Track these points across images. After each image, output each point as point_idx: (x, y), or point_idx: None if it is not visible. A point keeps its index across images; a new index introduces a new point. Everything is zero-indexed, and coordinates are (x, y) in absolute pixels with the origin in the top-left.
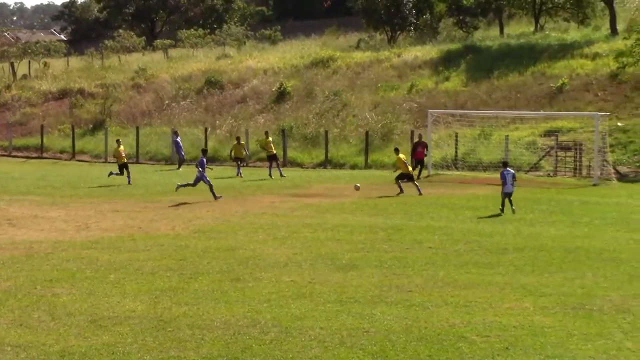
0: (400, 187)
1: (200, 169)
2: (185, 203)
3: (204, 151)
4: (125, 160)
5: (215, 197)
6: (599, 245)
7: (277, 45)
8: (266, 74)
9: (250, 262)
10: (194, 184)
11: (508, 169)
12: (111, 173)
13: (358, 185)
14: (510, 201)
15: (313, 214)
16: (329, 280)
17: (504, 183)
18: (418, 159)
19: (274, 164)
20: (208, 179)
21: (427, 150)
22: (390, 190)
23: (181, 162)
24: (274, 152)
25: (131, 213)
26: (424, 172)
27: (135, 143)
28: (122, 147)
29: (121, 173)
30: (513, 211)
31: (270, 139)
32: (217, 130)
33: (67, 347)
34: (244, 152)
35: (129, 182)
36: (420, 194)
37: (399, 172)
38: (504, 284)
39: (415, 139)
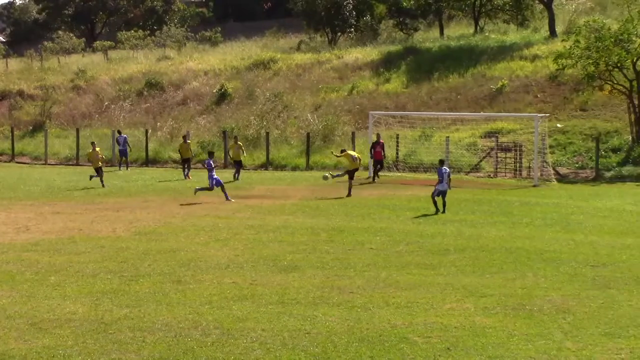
0: (350, 188)
1: (210, 171)
2: (126, 205)
3: (211, 153)
4: (101, 164)
5: (227, 198)
6: (540, 246)
7: (218, 47)
8: (207, 76)
9: (192, 264)
10: (211, 188)
11: (445, 167)
12: (92, 177)
13: (326, 175)
14: (444, 200)
15: (255, 215)
16: (270, 281)
17: (440, 181)
18: (376, 159)
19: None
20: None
21: (384, 150)
22: (331, 192)
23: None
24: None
25: (72, 215)
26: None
27: (76, 145)
28: (98, 149)
29: (97, 175)
30: (444, 211)
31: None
32: (157, 132)
33: (6, 350)
34: (191, 153)
35: (103, 185)
36: (349, 195)
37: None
38: (445, 284)
39: (373, 140)
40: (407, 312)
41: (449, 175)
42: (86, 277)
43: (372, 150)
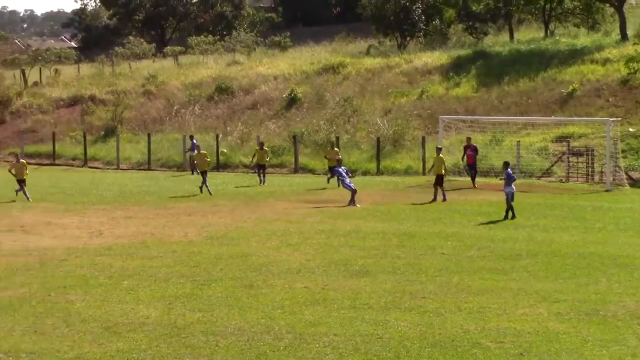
0: (438, 192)
1: (341, 175)
2: (197, 210)
3: (339, 161)
4: (25, 177)
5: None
6: (613, 251)
7: (287, 51)
8: (276, 80)
9: (264, 269)
10: (353, 190)
11: (509, 170)
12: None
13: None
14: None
15: (326, 220)
16: (342, 286)
17: (508, 183)
18: (469, 164)
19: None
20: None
21: (477, 154)
22: (402, 196)
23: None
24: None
25: (144, 219)
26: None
27: (147, 150)
28: (22, 161)
29: (21, 189)
30: (514, 216)
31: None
32: (228, 136)
33: (81, 353)
34: (266, 159)
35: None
36: (445, 199)
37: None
38: (517, 289)
39: (464, 144)
40: (480, 317)
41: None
42: (159, 282)
43: (464, 154)
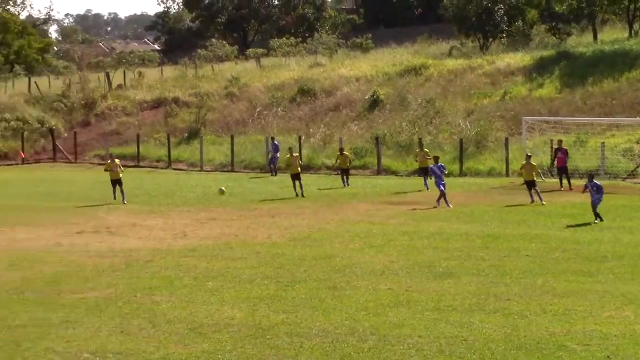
0: (533, 193)
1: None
2: (281, 211)
3: (436, 157)
4: (119, 177)
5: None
6: None
7: (369, 53)
8: (358, 82)
9: (347, 270)
10: (440, 191)
11: (595, 181)
12: None
13: (222, 188)
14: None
15: (409, 221)
16: (426, 288)
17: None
18: (558, 166)
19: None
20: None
21: (567, 157)
22: (485, 198)
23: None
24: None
25: (228, 221)
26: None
27: (230, 151)
28: (117, 161)
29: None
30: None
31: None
32: (310, 138)
33: (167, 354)
34: (348, 163)
35: None
36: (543, 203)
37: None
38: (603, 292)
39: (555, 146)
40: (565, 319)
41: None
42: (243, 283)
43: (554, 157)
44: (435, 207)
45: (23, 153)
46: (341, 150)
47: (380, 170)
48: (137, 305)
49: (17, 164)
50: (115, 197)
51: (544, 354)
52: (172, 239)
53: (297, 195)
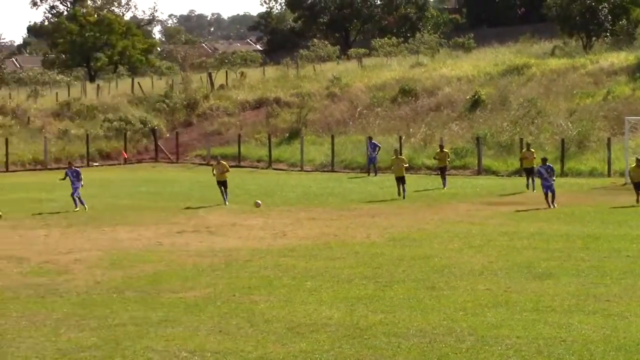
0: None
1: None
2: (380, 211)
3: (544, 159)
4: (225, 179)
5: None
6: None
7: (471, 52)
8: (460, 82)
9: (446, 270)
10: (544, 193)
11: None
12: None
13: (259, 202)
14: None
15: (508, 222)
16: (525, 289)
17: None
18: None
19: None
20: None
21: None
22: (586, 199)
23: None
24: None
25: (327, 221)
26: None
27: (331, 152)
28: (224, 162)
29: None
30: None
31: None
32: (411, 138)
33: (265, 353)
34: (447, 161)
35: None
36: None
37: None
38: None
39: (621, 148)
40: None
41: None
42: (341, 283)
43: None
44: (547, 207)
45: (125, 153)
46: (441, 147)
47: (481, 171)
48: (236, 305)
49: (120, 164)
50: (226, 202)
51: None
52: (272, 239)
53: (400, 196)
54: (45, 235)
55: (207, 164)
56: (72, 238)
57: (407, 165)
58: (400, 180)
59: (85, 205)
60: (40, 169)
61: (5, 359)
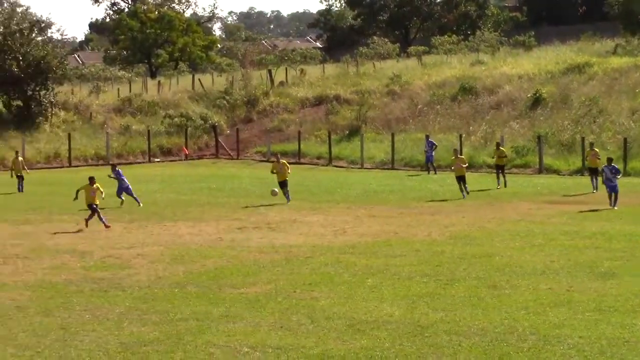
0: None
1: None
2: (441, 209)
3: (609, 159)
4: (286, 178)
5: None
6: None
7: (532, 51)
8: (520, 80)
9: (507, 269)
10: (608, 192)
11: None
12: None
13: (275, 190)
14: None
15: (570, 221)
16: (587, 288)
17: None
18: None
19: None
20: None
21: None
22: None
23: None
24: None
25: (387, 218)
26: None
27: (391, 149)
28: (283, 161)
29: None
30: None
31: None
32: (471, 136)
33: (326, 350)
34: (505, 159)
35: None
36: None
37: None
38: None
39: None
40: None
41: None
42: (402, 280)
43: None
44: (609, 208)
45: (186, 149)
46: (497, 144)
47: (542, 169)
48: (297, 301)
49: (181, 160)
50: (288, 200)
51: None
52: (332, 236)
53: (463, 196)
54: (107, 230)
55: (268, 161)
56: (135, 233)
57: (467, 165)
58: (461, 179)
59: (139, 201)
60: (102, 165)
61: (69, 352)
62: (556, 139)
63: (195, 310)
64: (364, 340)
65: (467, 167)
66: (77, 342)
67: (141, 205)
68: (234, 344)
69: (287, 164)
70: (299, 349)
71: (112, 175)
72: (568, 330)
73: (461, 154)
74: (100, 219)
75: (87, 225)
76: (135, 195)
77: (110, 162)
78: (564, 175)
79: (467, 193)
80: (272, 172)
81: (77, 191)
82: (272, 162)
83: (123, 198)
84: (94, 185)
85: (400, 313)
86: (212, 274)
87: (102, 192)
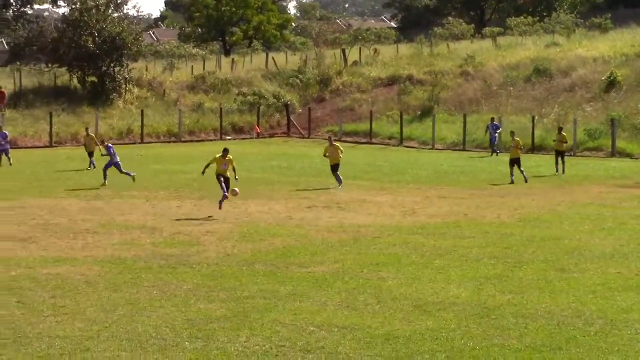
0: None
1: None
2: (510, 192)
3: None
4: (338, 162)
5: None
6: None
7: (608, 33)
8: (595, 63)
9: (576, 252)
10: None
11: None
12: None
13: (236, 190)
14: None
15: None
16: None
17: None
18: None
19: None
20: None
21: None
22: None
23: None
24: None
25: (457, 200)
26: None
27: (462, 130)
28: (336, 144)
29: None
30: None
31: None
32: (544, 119)
33: (391, 330)
34: (564, 145)
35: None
36: None
37: None
38: None
39: None
40: None
41: None
42: (470, 262)
43: None
44: None
45: (258, 127)
46: (560, 128)
47: (615, 153)
48: (364, 281)
49: (252, 138)
50: (340, 184)
51: None
52: (401, 216)
53: (511, 180)
54: (177, 206)
55: (339, 140)
56: (204, 210)
57: (522, 148)
58: (515, 162)
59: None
60: (174, 141)
61: (136, 328)
62: (630, 122)
63: (262, 288)
64: (430, 321)
65: (539, 150)
66: (145, 318)
67: (134, 179)
68: (300, 323)
69: (341, 148)
70: (364, 329)
71: (104, 153)
72: (636, 314)
73: (533, 136)
74: (225, 192)
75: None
76: (125, 171)
77: (103, 140)
78: (636, 158)
79: (525, 180)
80: (325, 156)
81: (207, 165)
82: (325, 147)
83: (107, 174)
84: (227, 157)
85: (467, 295)
86: (280, 252)
87: (234, 168)
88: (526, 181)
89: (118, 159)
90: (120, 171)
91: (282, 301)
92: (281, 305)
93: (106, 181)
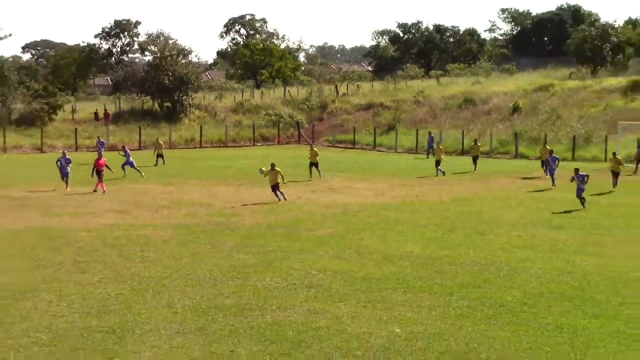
0: None
1: None
2: (447, 181)
3: None
4: (317, 161)
5: None
6: None
7: (513, 75)
8: (505, 95)
9: (491, 222)
10: None
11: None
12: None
13: (262, 169)
14: None
15: (533, 191)
16: (545, 236)
17: None
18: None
19: None
20: None
21: None
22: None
23: None
24: None
25: (412, 187)
26: None
27: (415, 140)
28: (315, 148)
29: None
30: None
31: None
32: (469, 133)
33: (367, 273)
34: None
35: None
36: None
37: None
38: None
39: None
40: None
41: None
42: (420, 228)
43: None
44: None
45: (278, 137)
46: (475, 141)
47: (517, 155)
48: (349, 241)
49: (273, 144)
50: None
51: None
52: (374, 197)
53: (436, 174)
54: (224, 190)
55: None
56: (242, 193)
57: (445, 156)
58: (438, 163)
59: (125, 172)
60: (222, 146)
61: (197, 271)
62: (527, 135)
63: (281, 245)
64: (393, 267)
65: (463, 154)
66: (202, 265)
67: (143, 175)
68: (306, 268)
69: (317, 152)
70: (349, 272)
71: (122, 153)
72: (530, 263)
73: (463, 145)
74: (278, 194)
75: (280, 199)
76: (137, 169)
77: (122, 145)
78: (531, 160)
79: (443, 174)
80: (309, 158)
81: (264, 174)
82: (310, 151)
83: (126, 172)
84: (275, 169)
85: (417, 250)
86: (293, 221)
87: (282, 177)
88: (444, 174)
89: (132, 159)
90: (134, 168)
91: (294, 254)
92: (293, 256)
93: (142, 173)
